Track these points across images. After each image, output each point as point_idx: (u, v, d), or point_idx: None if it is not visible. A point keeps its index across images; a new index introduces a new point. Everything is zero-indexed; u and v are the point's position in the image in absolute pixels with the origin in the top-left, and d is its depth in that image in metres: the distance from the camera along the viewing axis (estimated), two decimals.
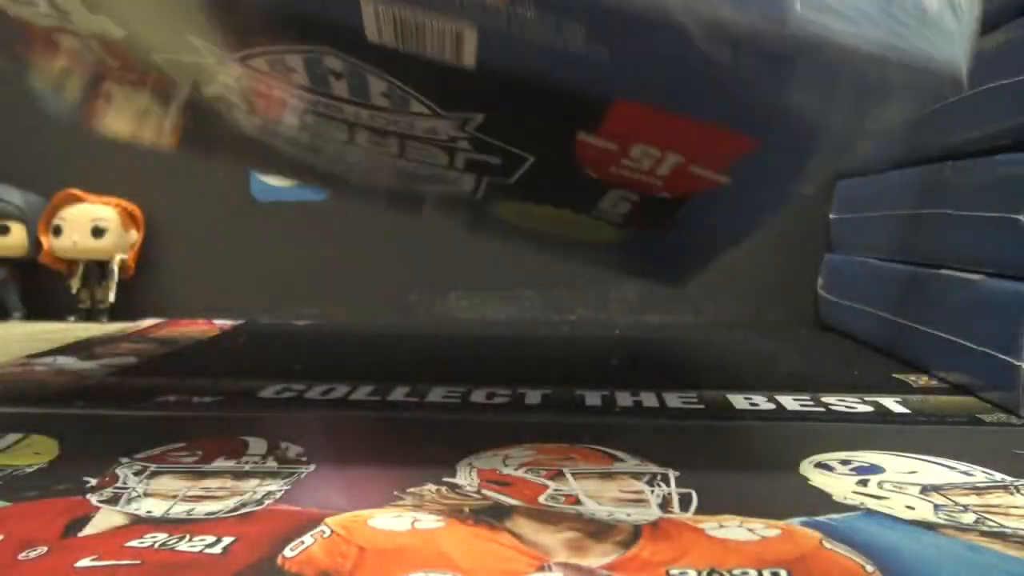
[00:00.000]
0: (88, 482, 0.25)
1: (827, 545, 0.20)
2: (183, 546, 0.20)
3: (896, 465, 0.27)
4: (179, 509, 0.23)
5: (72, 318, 0.64)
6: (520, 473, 0.26)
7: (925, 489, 0.25)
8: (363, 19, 0.25)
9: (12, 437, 0.30)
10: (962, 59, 0.23)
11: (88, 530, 0.21)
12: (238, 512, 0.23)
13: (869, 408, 0.35)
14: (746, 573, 0.19)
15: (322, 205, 0.64)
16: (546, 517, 0.22)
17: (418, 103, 0.32)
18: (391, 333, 0.57)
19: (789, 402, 0.36)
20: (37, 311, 0.65)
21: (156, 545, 0.20)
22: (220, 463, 0.27)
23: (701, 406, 0.35)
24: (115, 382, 0.39)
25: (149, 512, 0.23)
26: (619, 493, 0.24)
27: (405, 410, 0.34)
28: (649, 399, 0.36)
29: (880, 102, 0.25)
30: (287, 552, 0.20)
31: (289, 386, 0.38)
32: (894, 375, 0.41)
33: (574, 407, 0.35)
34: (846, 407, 0.35)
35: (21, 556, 0.20)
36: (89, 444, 0.29)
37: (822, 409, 0.34)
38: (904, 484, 0.25)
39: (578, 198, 0.37)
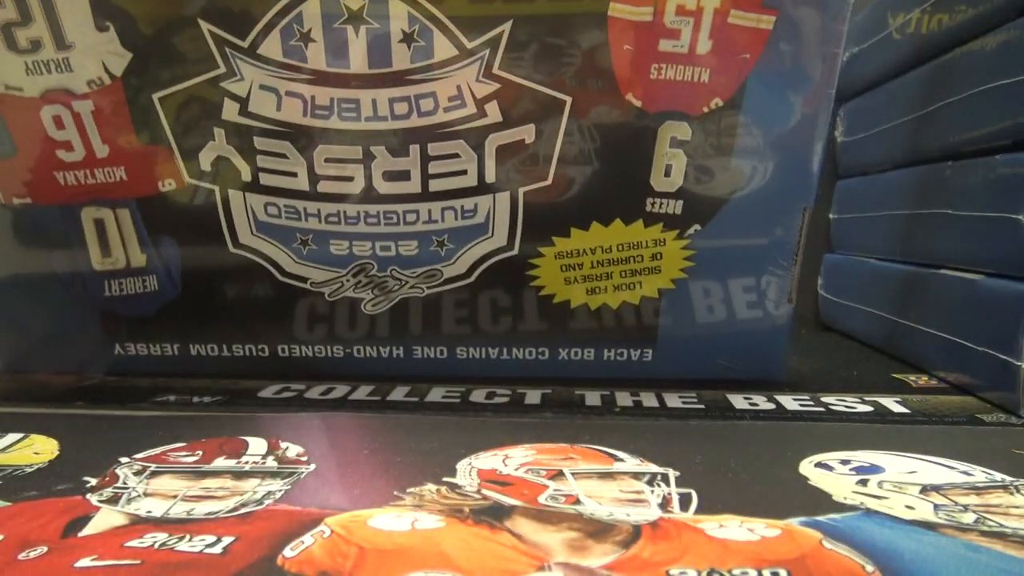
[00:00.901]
0: (88, 482, 0.25)
1: (827, 545, 0.20)
2: (183, 546, 0.20)
3: (896, 465, 0.27)
4: (179, 509, 0.23)
5: None
6: (520, 473, 0.26)
7: (925, 489, 0.25)
8: None
9: (12, 437, 0.30)
10: None
11: (88, 530, 0.21)
12: (238, 512, 0.23)
13: (869, 408, 0.35)
14: (746, 573, 0.19)
15: None
16: (546, 517, 0.22)
17: (443, 38, 0.30)
18: None
19: (789, 402, 0.36)
20: None
21: (156, 545, 0.20)
22: (220, 463, 0.27)
23: (701, 406, 0.35)
24: (115, 382, 0.39)
25: (149, 512, 0.23)
26: (619, 493, 0.24)
27: (405, 410, 0.34)
28: (649, 399, 0.36)
29: None
30: (287, 552, 0.20)
31: (289, 386, 0.38)
32: (894, 375, 0.41)
33: (574, 407, 0.35)
34: (846, 407, 0.35)
35: (21, 556, 0.20)
36: (89, 444, 0.29)
37: (822, 409, 0.34)
38: (904, 484, 0.25)
39: (629, 182, 0.34)
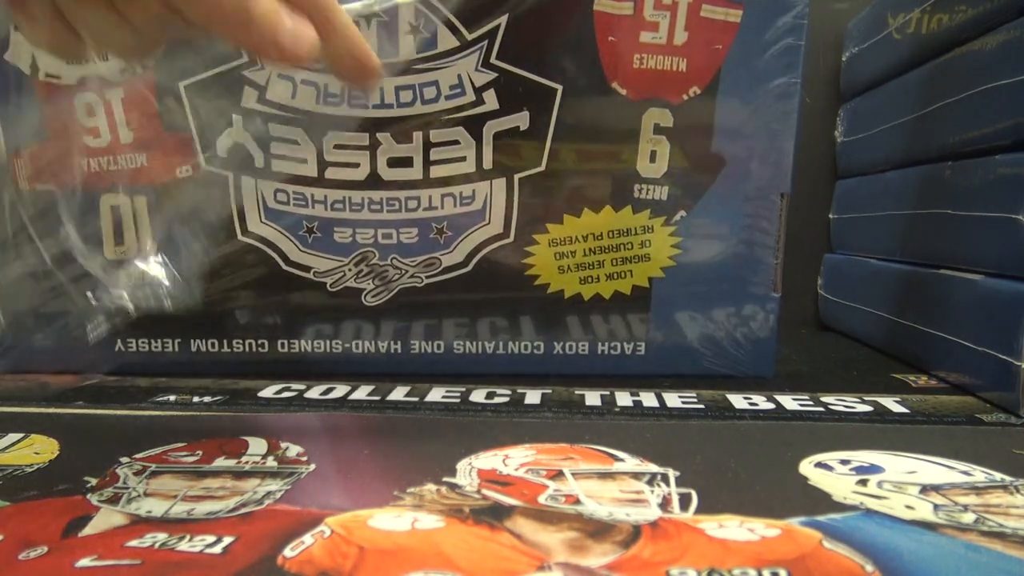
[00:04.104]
0: (88, 482, 0.25)
1: (827, 545, 0.20)
2: (183, 546, 0.20)
3: (896, 465, 0.27)
4: (179, 509, 0.23)
5: None
6: (520, 473, 0.26)
7: (925, 489, 0.25)
8: None
9: (12, 437, 0.30)
10: None
11: (88, 530, 0.21)
12: (238, 512, 0.23)
13: (869, 408, 0.35)
14: (746, 573, 0.19)
15: None
16: (546, 517, 0.22)
17: (445, 30, 0.33)
18: None
19: (788, 402, 0.36)
20: None
21: (156, 545, 0.20)
22: (220, 463, 0.27)
23: (701, 406, 0.35)
24: (115, 382, 0.40)
25: (149, 512, 0.23)
26: (619, 493, 0.24)
27: (405, 410, 0.34)
28: (649, 399, 0.36)
29: None
30: (287, 552, 0.20)
31: (289, 386, 0.38)
32: (894, 375, 0.41)
33: (574, 407, 0.35)
34: (845, 407, 0.35)
35: (21, 556, 0.20)
36: (89, 444, 0.29)
37: (821, 409, 0.34)
38: (904, 484, 0.25)
39: (617, 168, 0.36)
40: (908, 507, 0.23)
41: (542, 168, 0.36)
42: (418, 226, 0.37)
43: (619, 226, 0.37)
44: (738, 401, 0.36)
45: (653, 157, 0.36)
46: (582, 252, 0.38)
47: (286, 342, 0.39)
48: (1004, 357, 0.33)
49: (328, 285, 0.38)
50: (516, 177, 0.36)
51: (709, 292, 0.39)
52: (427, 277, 0.38)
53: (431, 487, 0.25)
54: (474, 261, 0.38)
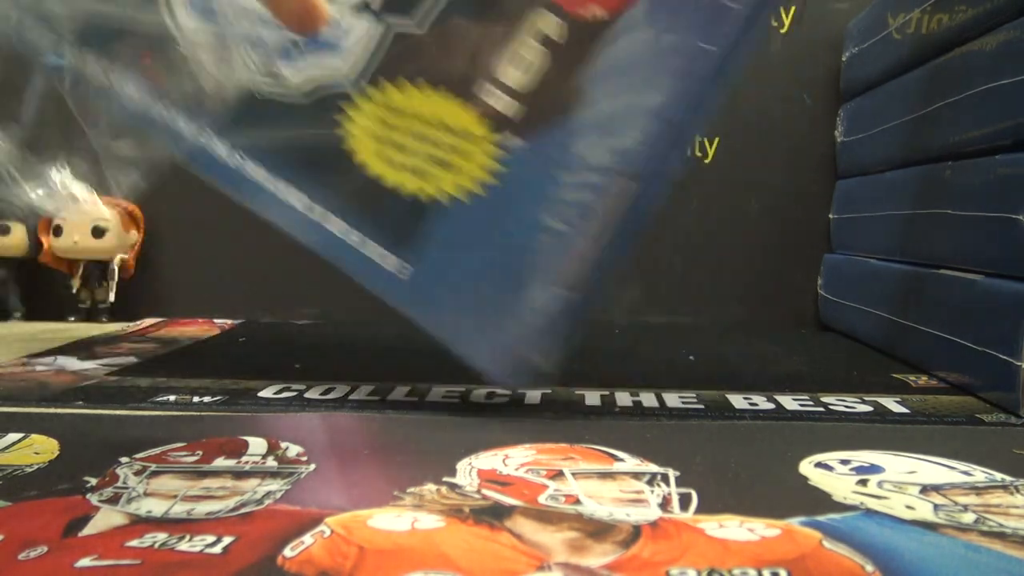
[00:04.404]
0: (88, 482, 0.25)
1: (827, 545, 0.20)
2: (183, 546, 0.20)
3: (896, 465, 0.27)
4: (179, 509, 0.23)
5: (72, 318, 0.64)
6: (520, 473, 0.26)
7: (925, 489, 0.25)
8: None
9: (12, 437, 0.30)
10: None
11: (88, 530, 0.21)
12: (238, 512, 0.23)
13: (869, 408, 0.35)
14: (746, 573, 0.19)
15: None
16: (546, 517, 0.22)
17: None
18: (391, 333, 0.57)
19: (788, 402, 0.36)
20: (37, 311, 0.65)
21: (156, 545, 0.20)
22: (220, 463, 0.27)
23: (701, 406, 0.35)
24: (115, 382, 0.40)
25: (149, 512, 0.23)
26: (619, 493, 0.24)
27: (405, 410, 0.34)
28: (649, 399, 0.36)
29: None
30: (287, 552, 0.20)
31: (289, 386, 0.38)
32: (894, 375, 0.41)
33: (574, 407, 0.35)
34: (846, 407, 0.35)
35: (21, 556, 0.20)
36: (89, 444, 0.29)
37: (821, 409, 0.34)
38: (904, 484, 0.25)
39: (477, 57, 0.31)
40: (908, 507, 0.23)
41: (419, 30, 0.32)
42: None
43: (451, 121, 0.32)
44: (738, 401, 0.36)
45: (525, 67, 0.31)
46: (405, 131, 0.32)
47: None
48: (1004, 357, 0.33)
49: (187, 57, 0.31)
50: (390, 28, 0.32)
51: (493, 255, 0.32)
52: (268, 86, 0.33)
53: (431, 487, 0.25)
54: (309, 89, 0.33)
